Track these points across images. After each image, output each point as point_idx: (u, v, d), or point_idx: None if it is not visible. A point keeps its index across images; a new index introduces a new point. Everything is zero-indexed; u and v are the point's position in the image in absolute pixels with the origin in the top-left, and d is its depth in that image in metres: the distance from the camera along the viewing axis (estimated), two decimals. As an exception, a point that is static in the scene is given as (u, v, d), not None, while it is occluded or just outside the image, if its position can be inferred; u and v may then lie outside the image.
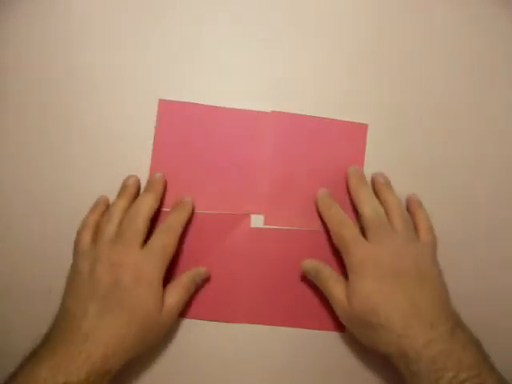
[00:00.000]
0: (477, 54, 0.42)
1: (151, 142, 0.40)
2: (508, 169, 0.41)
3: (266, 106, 0.40)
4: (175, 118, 0.40)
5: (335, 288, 0.36)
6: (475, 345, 0.32)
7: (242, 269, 0.39)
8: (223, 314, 0.39)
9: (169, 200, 0.39)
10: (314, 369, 0.39)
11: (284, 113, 0.40)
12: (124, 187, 0.38)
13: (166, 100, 0.40)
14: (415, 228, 0.38)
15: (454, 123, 0.41)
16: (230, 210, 0.40)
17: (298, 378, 0.38)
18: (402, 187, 0.40)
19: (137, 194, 0.39)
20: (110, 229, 0.35)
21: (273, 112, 0.40)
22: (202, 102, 0.40)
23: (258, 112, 0.40)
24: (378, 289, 0.34)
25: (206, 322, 0.39)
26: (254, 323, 0.39)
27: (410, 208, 0.39)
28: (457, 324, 0.33)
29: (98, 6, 0.41)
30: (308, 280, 0.39)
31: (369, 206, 0.37)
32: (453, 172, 0.41)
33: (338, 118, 0.41)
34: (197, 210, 0.39)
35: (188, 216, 0.38)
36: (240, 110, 0.40)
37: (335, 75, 0.41)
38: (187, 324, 0.39)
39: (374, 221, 0.36)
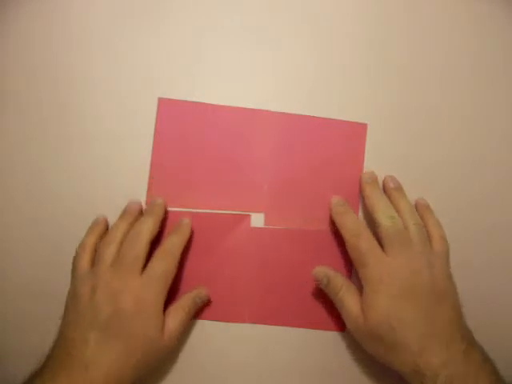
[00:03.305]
0: (476, 53, 0.42)
1: (151, 141, 0.40)
2: (509, 168, 0.41)
3: (266, 106, 0.40)
4: (175, 117, 0.40)
5: (348, 300, 0.35)
6: (489, 365, 0.32)
7: (242, 269, 0.39)
8: (223, 314, 0.39)
9: (169, 199, 0.39)
10: (315, 368, 0.39)
11: (284, 113, 0.40)
12: (125, 211, 0.38)
13: (165, 99, 0.40)
14: (427, 233, 0.37)
15: (453, 123, 0.41)
16: (230, 209, 0.40)
17: (298, 378, 0.38)
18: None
19: (138, 218, 0.38)
20: (109, 253, 0.35)
21: (272, 112, 0.40)
22: (201, 101, 0.40)
23: (258, 111, 0.40)
24: (396, 307, 0.33)
25: (205, 321, 0.39)
26: (253, 323, 0.39)
27: (420, 212, 0.38)
28: (471, 344, 0.33)
29: (97, 5, 0.41)
30: (308, 280, 0.39)
31: (385, 215, 0.36)
32: (453, 172, 0.41)
33: (338, 118, 0.41)
34: (197, 210, 0.39)
35: (187, 239, 0.37)
36: (240, 108, 0.40)
37: (335, 75, 0.41)
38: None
39: (391, 230, 0.35)
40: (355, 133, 0.41)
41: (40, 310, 0.39)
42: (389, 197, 0.38)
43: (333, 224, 0.39)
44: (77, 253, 0.37)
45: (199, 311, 0.39)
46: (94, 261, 0.36)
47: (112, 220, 0.39)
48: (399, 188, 0.39)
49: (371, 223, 0.37)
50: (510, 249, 0.41)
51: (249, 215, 0.40)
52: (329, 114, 0.41)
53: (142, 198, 0.39)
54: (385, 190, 0.39)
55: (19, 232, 0.39)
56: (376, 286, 0.33)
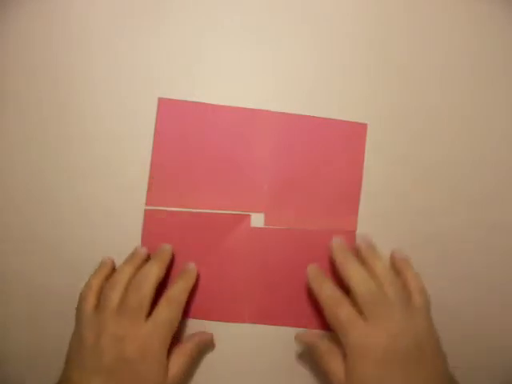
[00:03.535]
0: (476, 53, 0.42)
1: (151, 141, 0.40)
2: (509, 168, 0.41)
3: (266, 106, 0.40)
4: (175, 117, 0.40)
5: (331, 364, 0.35)
6: None
7: (242, 269, 0.39)
8: (223, 314, 0.39)
9: (169, 199, 0.39)
10: (315, 368, 0.39)
11: (284, 113, 0.40)
12: (132, 255, 0.38)
13: (165, 99, 0.40)
14: (405, 288, 0.36)
15: (453, 123, 0.41)
16: (230, 209, 0.40)
17: (298, 377, 0.38)
18: (401, 187, 0.40)
19: (144, 263, 0.38)
20: (115, 297, 0.35)
21: (272, 112, 0.40)
22: (201, 101, 0.40)
23: (258, 111, 0.40)
24: (378, 373, 0.33)
25: (205, 321, 0.39)
26: (253, 323, 0.39)
27: (397, 266, 0.38)
28: None
29: (97, 5, 0.41)
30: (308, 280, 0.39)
31: (360, 282, 0.35)
32: (453, 172, 0.41)
33: (338, 118, 0.41)
34: (197, 210, 0.39)
35: (192, 285, 0.38)
36: (240, 108, 0.40)
37: (335, 75, 0.41)
38: (187, 323, 0.39)
39: (368, 297, 0.34)
40: (355, 133, 0.41)
41: (40, 312, 0.39)
42: (363, 258, 0.37)
43: (333, 224, 0.40)
44: (81, 295, 0.36)
45: (199, 311, 0.39)
46: (100, 303, 0.35)
47: (109, 216, 0.39)
48: (371, 247, 0.38)
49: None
50: (510, 249, 0.41)
51: (249, 215, 0.40)
52: (329, 114, 0.41)
53: (142, 198, 0.39)
54: (357, 250, 0.38)
55: (19, 232, 0.39)
56: (357, 354, 0.33)
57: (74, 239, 0.39)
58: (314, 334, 0.37)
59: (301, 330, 0.39)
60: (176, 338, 0.36)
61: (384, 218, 0.40)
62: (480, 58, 0.42)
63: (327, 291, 0.36)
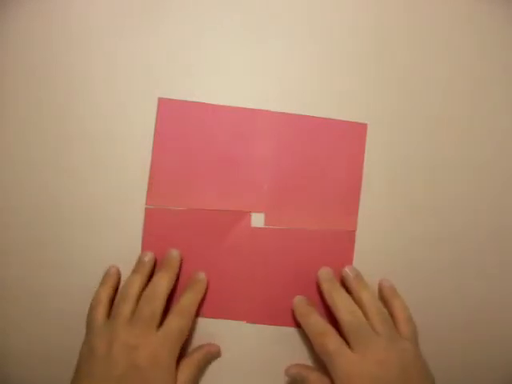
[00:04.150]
0: (476, 53, 0.42)
1: (151, 141, 0.40)
2: (509, 168, 0.41)
3: (266, 106, 0.40)
4: (175, 117, 0.40)
5: None
6: None
7: (242, 268, 0.39)
8: (222, 312, 0.39)
9: (169, 198, 0.39)
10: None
11: (284, 113, 0.40)
12: (140, 263, 0.38)
13: (165, 99, 0.40)
14: (392, 317, 0.37)
15: (453, 123, 0.41)
16: (230, 208, 0.40)
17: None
18: (401, 187, 0.40)
19: (152, 270, 0.39)
20: (126, 308, 0.35)
21: (272, 112, 0.40)
22: (201, 101, 0.40)
23: (258, 111, 0.40)
24: None
25: (205, 319, 0.39)
26: (253, 323, 0.39)
27: (384, 294, 0.39)
28: None
29: (97, 5, 0.41)
30: (308, 280, 0.39)
31: (346, 311, 0.36)
32: (453, 172, 0.41)
33: (338, 118, 0.41)
34: (197, 208, 0.39)
35: (202, 294, 0.38)
36: (240, 108, 0.40)
37: (335, 75, 0.41)
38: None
39: (354, 326, 0.35)
40: (355, 133, 0.41)
41: (40, 312, 0.39)
42: (349, 288, 0.38)
43: (333, 224, 0.40)
44: (92, 306, 0.37)
45: (199, 309, 0.39)
46: (111, 314, 0.36)
47: (110, 216, 0.39)
48: (358, 277, 0.38)
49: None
50: (510, 249, 0.41)
51: (249, 213, 0.40)
52: (329, 114, 0.41)
53: (142, 198, 0.39)
54: (344, 280, 0.39)
55: (19, 233, 0.39)
56: (345, 383, 0.33)
57: (74, 239, 0.39)
58: (303, 366, 0.38)
59: (300, 330, 0.39)
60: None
61: (384, 218, 0.40)
62: (480, 57, 0.42)
63: (314, 323, 0.37)
